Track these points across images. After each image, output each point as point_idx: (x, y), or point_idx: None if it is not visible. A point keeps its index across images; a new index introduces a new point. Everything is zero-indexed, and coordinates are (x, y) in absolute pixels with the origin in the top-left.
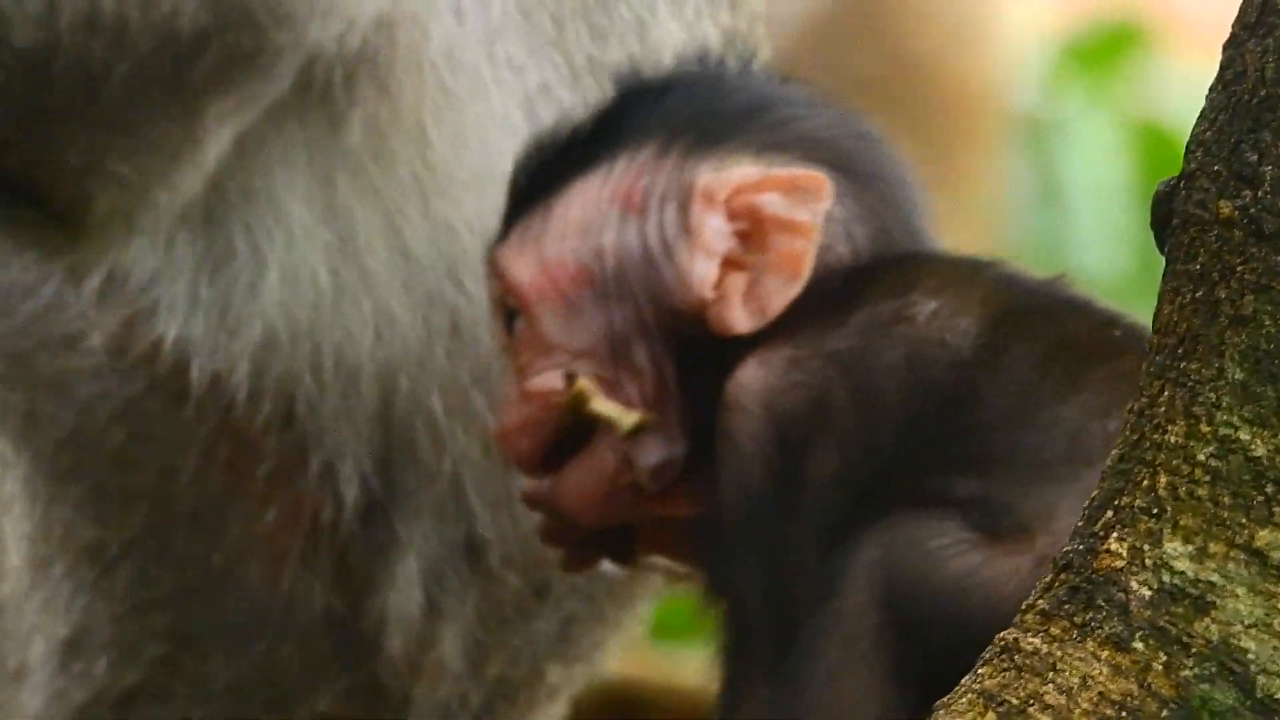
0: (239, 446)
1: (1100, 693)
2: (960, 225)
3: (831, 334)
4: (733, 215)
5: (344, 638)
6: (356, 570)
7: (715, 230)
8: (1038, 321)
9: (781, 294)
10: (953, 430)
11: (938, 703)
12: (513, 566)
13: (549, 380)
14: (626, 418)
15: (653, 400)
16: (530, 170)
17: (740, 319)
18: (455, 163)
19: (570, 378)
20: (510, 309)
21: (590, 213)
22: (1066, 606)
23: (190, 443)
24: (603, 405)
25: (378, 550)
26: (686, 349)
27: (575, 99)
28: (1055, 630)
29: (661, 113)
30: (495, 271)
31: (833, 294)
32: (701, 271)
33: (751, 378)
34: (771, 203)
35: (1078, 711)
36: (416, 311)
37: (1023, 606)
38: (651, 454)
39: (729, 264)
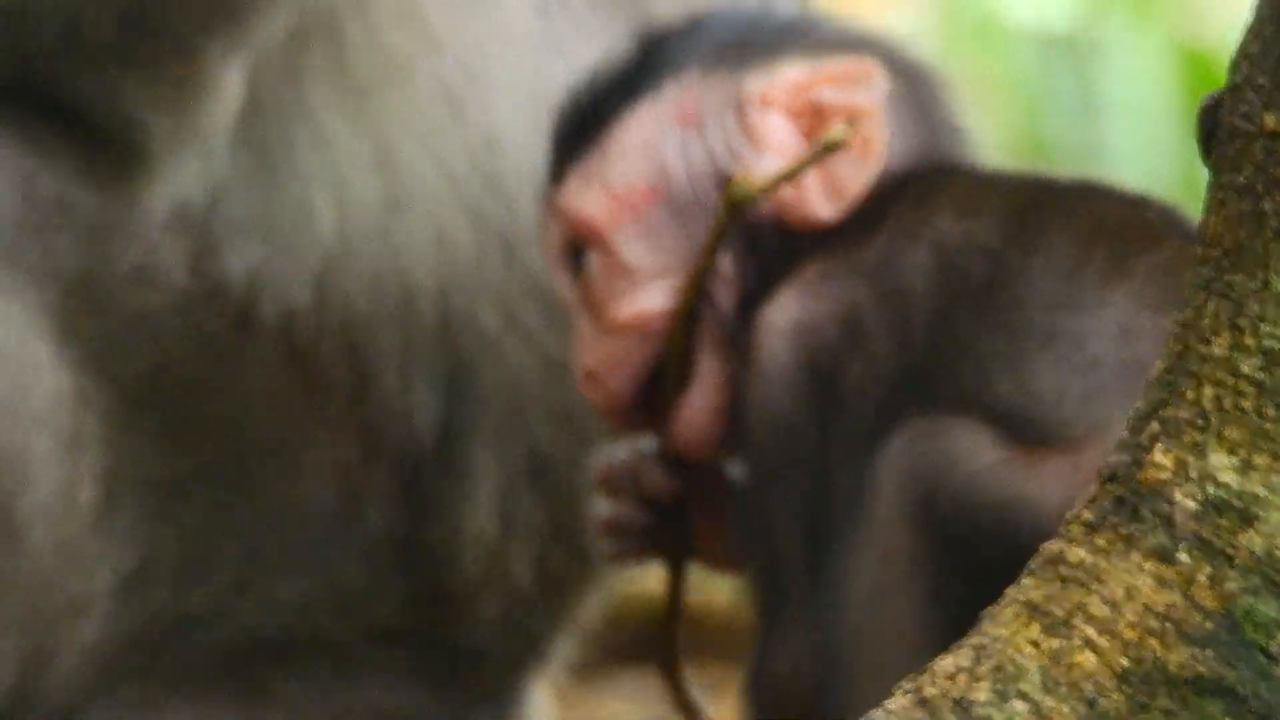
0: (307, 374)
1: (1145, 605)
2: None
3: (857, 249)
4: (792, 113)
5: (416, 552)
6: (429, 492)
7: (778, 129)
8: (1072, 205)
9: (858, 176)
10: (991, 319)
11: (983, 613)
12: (579, 475)
13: (646, 300)
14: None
15: (739, 302)
16: (573, 115)
17: (823, 207)
18: (478, 71)
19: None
20: (577, 249)
21: (648, 134)
22: (1112, 518)
23: (261, 372)
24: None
25: (449, 471)
26: (765, 253)
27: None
28: (1100, 542)
29: (701, 38)
30: (556, 215)
31: (862, 209)
32: (774, 170)
33: (779, 306)
34: (828, 93)
35: (1122, 623)
36: (464, 226)
37: (1068, 517)
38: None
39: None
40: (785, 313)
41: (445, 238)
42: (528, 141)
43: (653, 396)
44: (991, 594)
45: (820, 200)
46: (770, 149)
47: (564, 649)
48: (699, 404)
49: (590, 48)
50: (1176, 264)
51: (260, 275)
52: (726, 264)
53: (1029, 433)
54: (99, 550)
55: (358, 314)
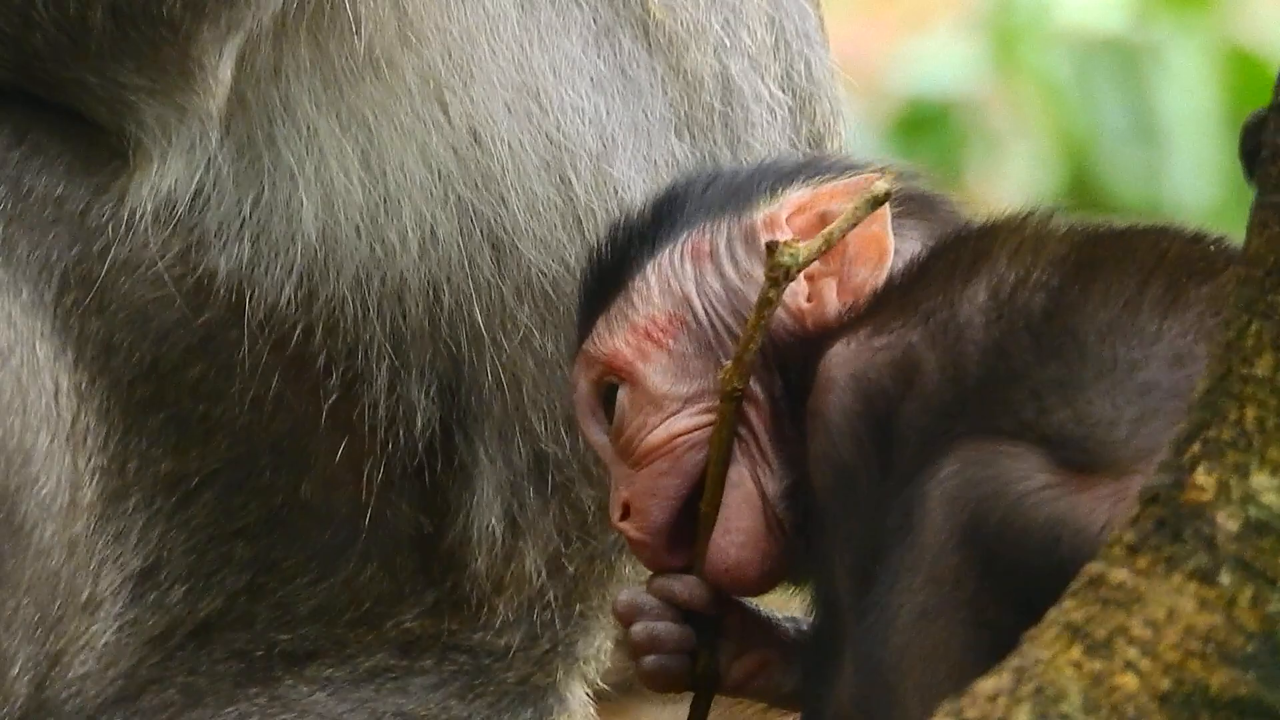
0: (302, 373)
1: (1186, 626)
2: None
3: (909, 299)
4: (799, 231)
5: (428, 555)
6: (435, 490)
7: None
8: (1131, 241)
9: (873, 278)
10: (1047, 349)
11: (1025, 634)
12: (587, 480)
13: (677, 423)
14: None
15: (770, 418)
16: (595, 272)
17: (836, 310)
18: (462, 64)
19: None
20: (606, 391)
21: (666, 274)
22: (1153, 539)
23: (258, 371)
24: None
25: (454, 470)
26: (784, 358)
27: None
28: (1142, 563)
29: (712, 188)
30: (587, 365)
31: (904, 272)
32: (789, 291)
33: (838, 354)
34: (834, 206)
35: (1164, 645)
36: (452, 223)
37: (1109, 538)
38: (780, 475)
39: (813, 275)
40: (842, 368)
41: (433, 235)
42: (513, 136)
43: (688, 531)
44: (1037, 615)
45: (837, 308)
46: None
47: (595, 646)
48: (736, 525)
49: (574, 39)
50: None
51: (247, 272)
52: (754, 385)
53: (1082, 457)
54: (106, 550)
55: (346, 312)
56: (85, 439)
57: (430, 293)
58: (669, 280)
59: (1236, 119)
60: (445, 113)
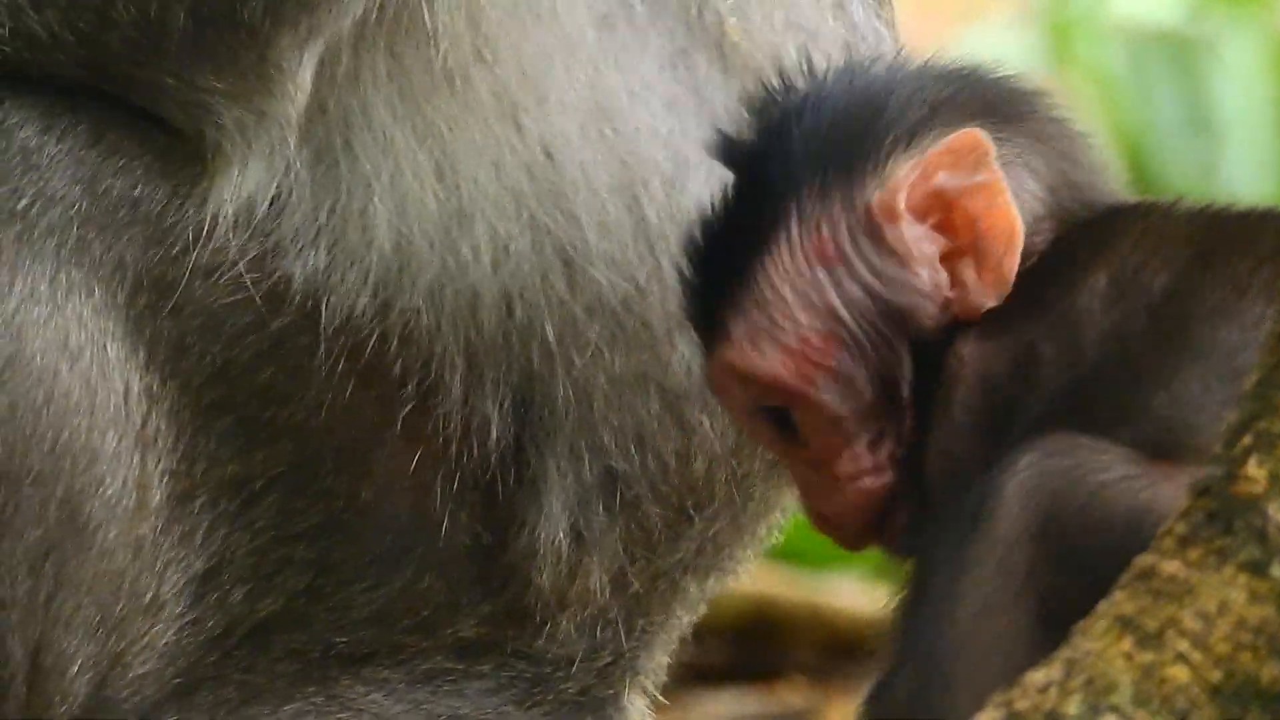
0: (374, 381)
1: (1238, 619)
2: None
3: (1033, 291)
4: (920, 214)
5: (489, 566)
6: (502, 502)
7: (915, 238)
8: (1251, 225)
9: (1011, 252)
10: (1158, 332)
11: (1075, 627)
12: (654, 498)
13: (865, 461)
14: None
15: (894, 401)
16: (704, 260)
17: (987, 296)
18: (537, 83)
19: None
20: (775, 409)
21: (799, 284)
22: (1204, 532)
23: (329, 377)
24: None
25: (522, 483)
26: (921, 343)
27: (652, 10)
28: (1193, 556)
29: (799, 158)
30: (739, 380)
31: (1033, 255)
32: (930, 280)
33: (967, 352)
34: (945, 179)
35: (1215, 637)
36: (525, 240)
37: (1161, 530)
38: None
39: (948, 257)
40: (970, 366)
41: (506, 250)
42: (586, 155)
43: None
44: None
45: (985, 292)
46: (916, 260)
47: (656, 660)
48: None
49: (650, 61)
50: None
51: (323, 279)
52: (905, 377)
53: (1167, 438)
54: (171, 551)
55: (420, 323)
56: (155, 440)
57: (503, 307)
58: (807, 293)
59: None
60: (519, 130)
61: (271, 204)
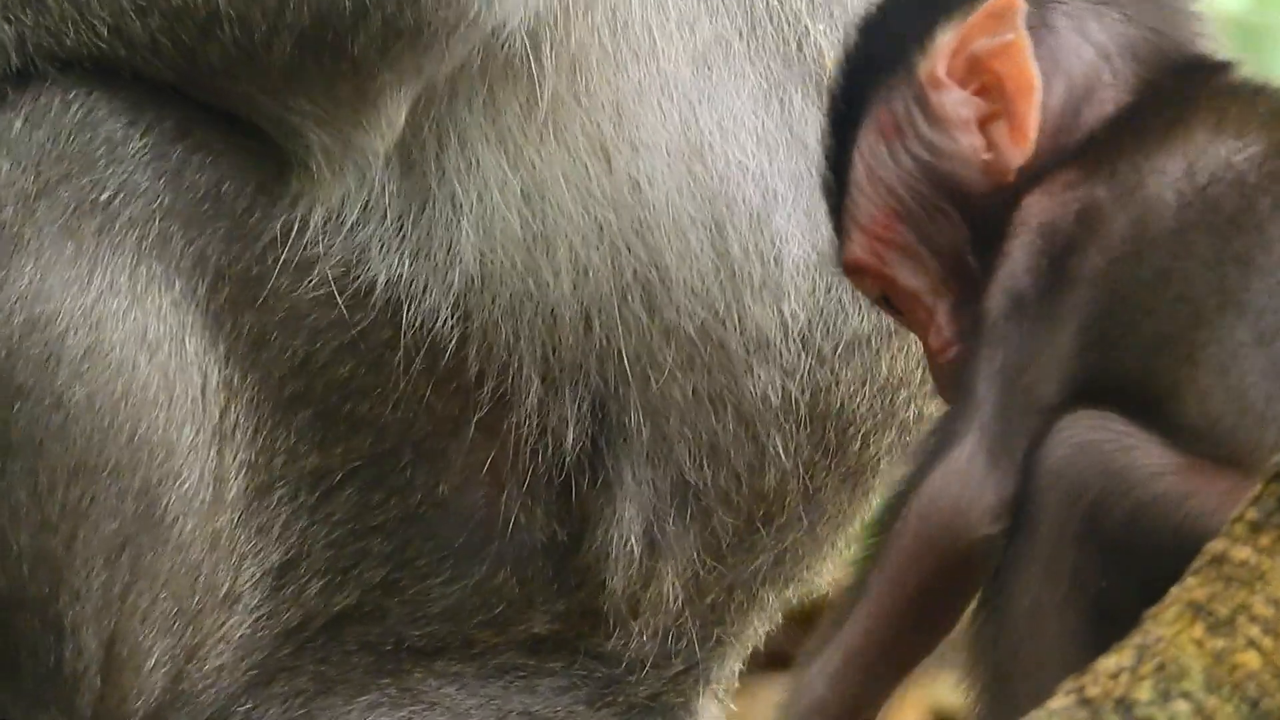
0: (453, 384)
1: None
2: None
3: (1102, 157)
4: (962, 81)
5: (563, 565)
6: (577, 503)
7: (955, 103)
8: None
9: (1030, 109)
10: (1224, 252)
11: (1146, 613)
12: (727, 507)
13: (945, 334)
14: None
15: (955, 268)
16: (824, 161)
17: (1014, 154)
18: (629, 120)
19: None
20: (885, 295)
21: (868, 161)
22: (1276, 517)
23: (408, 376)
24: None
25: (596, 485)
26: (972, 209)
27: (750, 48)
28: (1265, 541)
29: (878, 41)
30: (852, 274)
31: (1108, 118)
32: (969, 145)
33: (1030, 204)
34: (981, 46)
35: None
36: (607, 266)
37: (1232, 515)
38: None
39: (985, 121)
40: (1034, 215)
41: (586, 274)
42: (674, 189)
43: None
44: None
45: (1013, 152)
46: (956, 125)
47: (729, 669)
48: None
49: (745, 98)
50: None
51: (405, 286)
52: (965, 247)
53: (1213, 437)
54: (248, 544)
55: (499, 335)
56: (234, 433)
57: (581, 325)
58: (873, 169)
59: None
60: (608, 163)
61: (359, 212)
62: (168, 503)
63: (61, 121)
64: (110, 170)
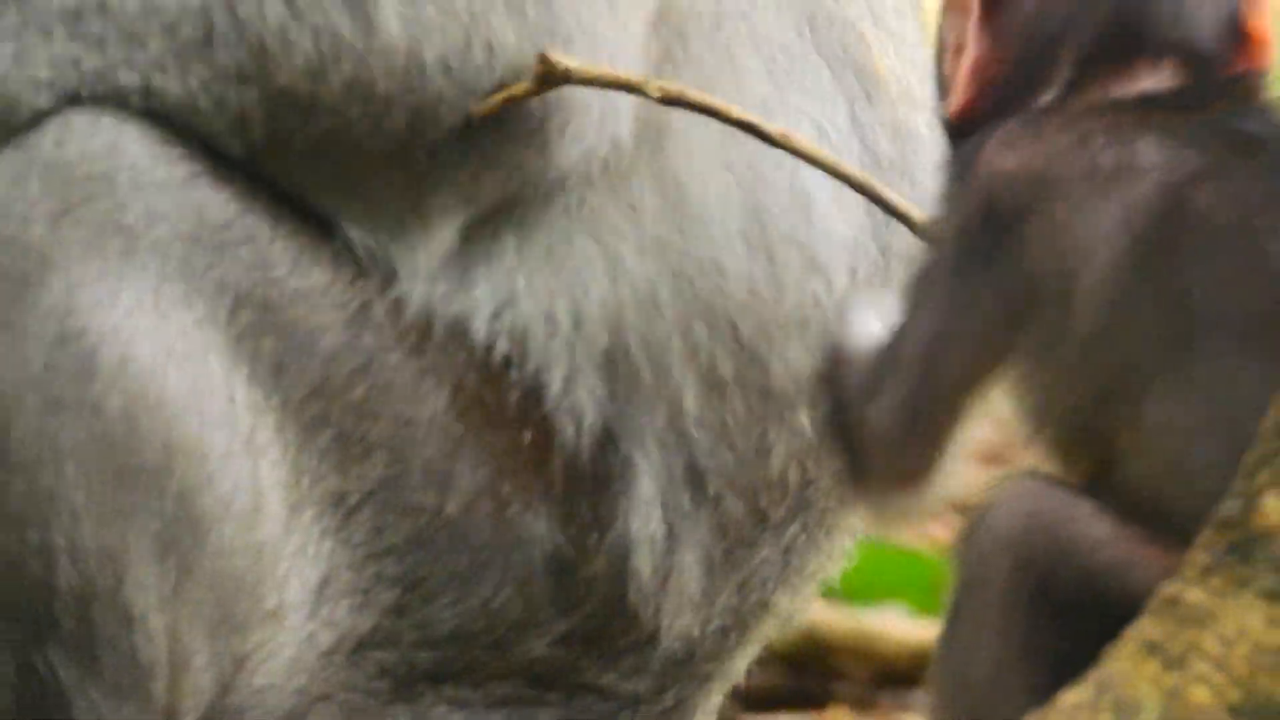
0: (476, 389)
1: (1256, 643)
2: None
3: (1070, 113)
4: (949, 7)
5: (567, 578)
6: (589, 501)
7: (946, 26)
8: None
9: (961, 70)
10: (1167, 305)
11: (1104, 651)
12: (734, 491)
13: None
14: None
15: None
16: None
17: (951, 106)
18: (699, 212)
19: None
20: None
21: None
22: (1225, 561)
23: (428, 393)
24: None
25: (611, 477)
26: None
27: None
28: (1215, 584)
29: None
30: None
31: (1068, 82)
32: (949, 67)
33: (986, 149)
34: None
35: (1234, 659)
36: (643, 256)
37: (1185, 559)
38: None
39: (955, 52)
40: (987, 148)
41: (623, 265)
42: (735, 233)
43: None
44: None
45: (950, 101)
46: (946, 48)
47: (714, 702)
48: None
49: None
50: None
51: (435, 303)
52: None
53: (1150, 502)
54: (290, 561)
55: (529, 332)
56: (266, 450)
57: (615, 315)
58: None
59: None
60: (682, 235)
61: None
62: (204, 506)
63: (89, 145)
64: (134, 195)
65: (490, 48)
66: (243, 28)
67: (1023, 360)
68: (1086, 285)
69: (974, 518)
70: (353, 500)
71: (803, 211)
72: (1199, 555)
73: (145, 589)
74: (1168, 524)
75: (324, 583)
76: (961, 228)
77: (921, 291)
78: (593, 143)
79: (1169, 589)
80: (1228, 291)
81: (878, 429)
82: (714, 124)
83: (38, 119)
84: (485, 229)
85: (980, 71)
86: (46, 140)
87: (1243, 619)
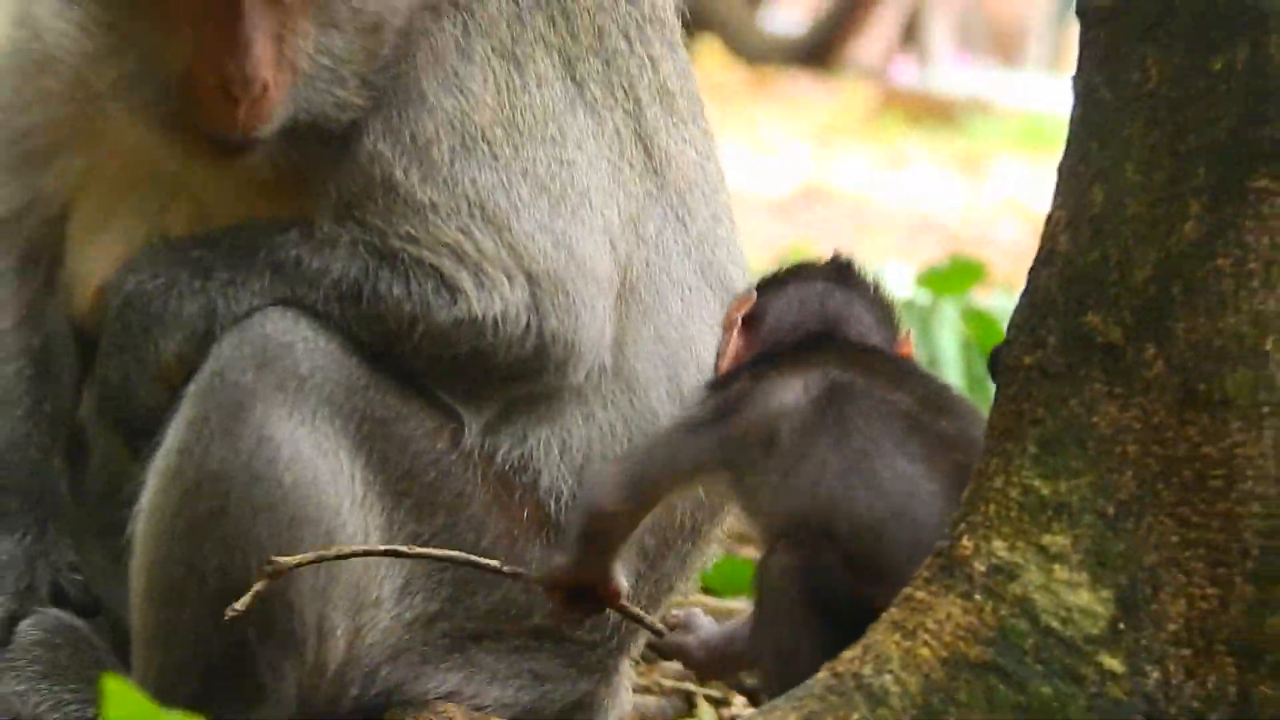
0: (499, 483)
1: (957, 623)
2: None
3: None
4: (728, 324)
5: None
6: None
7: (726, 331)
8: (876, 384)
9: (725, 349)
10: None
11: (868, 628)
12: (651, 532)
13: None
14: None
15: None
16: None
17: (721, 365)
18: (653, 387)
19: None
20: None
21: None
22: (939, 575)
23: (470, 481)
24: None
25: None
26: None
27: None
28: (933, 588)
29: None
30: None
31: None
32: (725, 341)
33: (742, 381)
34: (733, 309)
35: (945, 633)
36: (606, 410)
37: (918, 571)
38: None
39: (727, 344)
40: (717, 386)
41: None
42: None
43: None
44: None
45: (720, 365)
46: (728, 328)
47: (641, 642)
48: None
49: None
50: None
51: (482, 438)
52: None
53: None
54: (383, 571)
55: (534, 460)
56: (373, 508)
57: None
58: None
59: None
60: (631, 394)
61: None
62: (337, 540)
63: (279, 325)
64: (305, 356)
65: (541, 333)
66: (380, 300)
67: (736, 482)
68: (784, 430)
69: (768, 550)
70: (424, 538)
71: (703, 376)
72: (923, 571)
73: (302, 590)
74: (878, 573)
75: (406, 583)
76: (708, 411)
77: (662, 433)
78: (590, 366)
79: (907, 590)
80: (873, 422)
81: (601, 475)
82: (654, 327)
83: (251, 312)
84: (515, 403)
85: (737, 354)
86: (254, 323)
87: (948, 609)
